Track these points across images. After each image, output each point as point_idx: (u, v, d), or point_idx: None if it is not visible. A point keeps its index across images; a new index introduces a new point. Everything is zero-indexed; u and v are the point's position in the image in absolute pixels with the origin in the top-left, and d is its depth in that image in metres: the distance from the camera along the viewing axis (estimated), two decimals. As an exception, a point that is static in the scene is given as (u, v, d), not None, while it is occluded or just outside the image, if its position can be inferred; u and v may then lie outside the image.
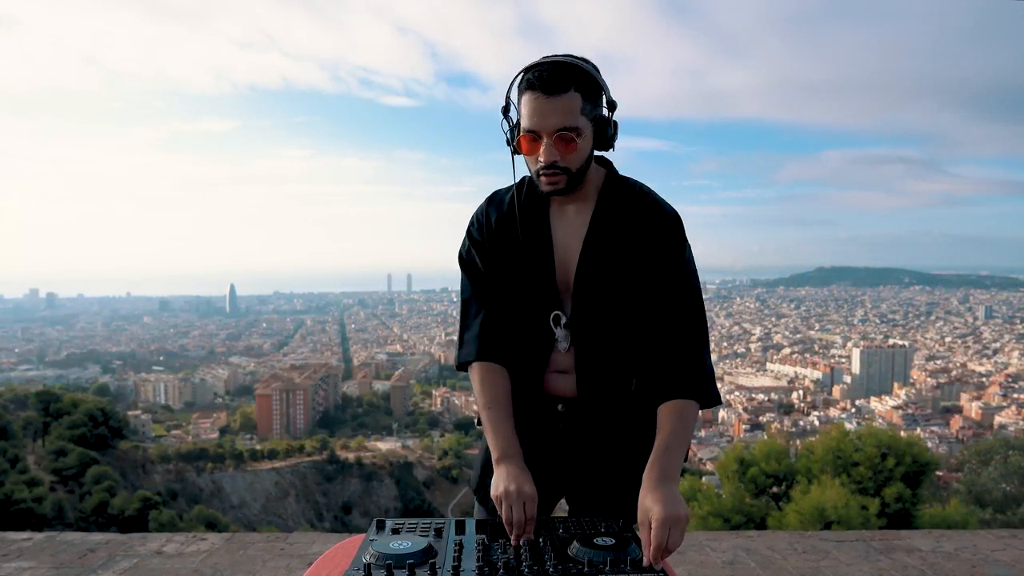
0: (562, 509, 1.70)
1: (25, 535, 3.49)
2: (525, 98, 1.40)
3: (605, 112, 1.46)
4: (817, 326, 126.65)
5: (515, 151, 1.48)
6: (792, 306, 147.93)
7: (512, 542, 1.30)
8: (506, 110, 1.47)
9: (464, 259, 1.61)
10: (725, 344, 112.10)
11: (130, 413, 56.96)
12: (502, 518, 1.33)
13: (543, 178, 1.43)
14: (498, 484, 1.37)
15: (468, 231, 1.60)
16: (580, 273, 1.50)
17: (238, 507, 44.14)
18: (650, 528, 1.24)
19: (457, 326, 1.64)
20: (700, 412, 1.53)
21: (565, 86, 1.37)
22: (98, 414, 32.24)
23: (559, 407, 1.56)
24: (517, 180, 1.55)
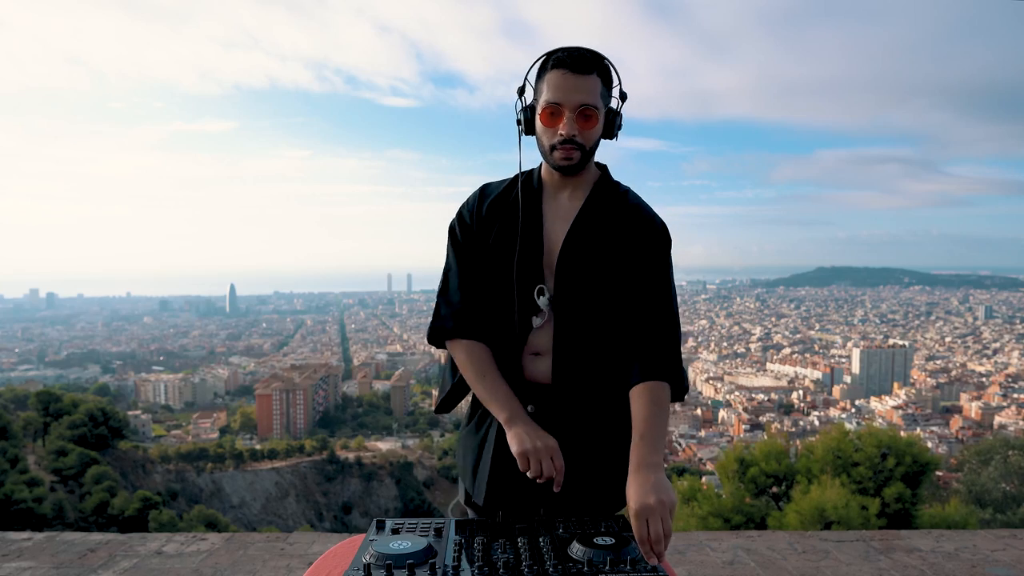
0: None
1: (25, 535, 3.49)
2: (551, 75, 1.46)
3: (614, 104, 1.54)
4: (817, 326, 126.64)
5: (523, 133, 1.54)
6: (792, 306, 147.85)
7: (555, 488, 1.46)
8: (521, 91, 1.53)
9: (452, 233, 1.66)
10: (725, 344, 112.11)
11: (130, 413, 56.99)
12: (530, 474, 1.44)
13: (558, 152, 1.49)
14: (522, 442, 1.45)
15: (457, 215, 1.66)
16: (564, 251, 1.54)
17: (238, 507, 44.15)
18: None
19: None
20: (678, 406, 1.54)
21: (590, 68, 1.46)
22: (98, 414, 32.18)
23: (529, 408, 1.55)
24: (521, 160, 1.60)
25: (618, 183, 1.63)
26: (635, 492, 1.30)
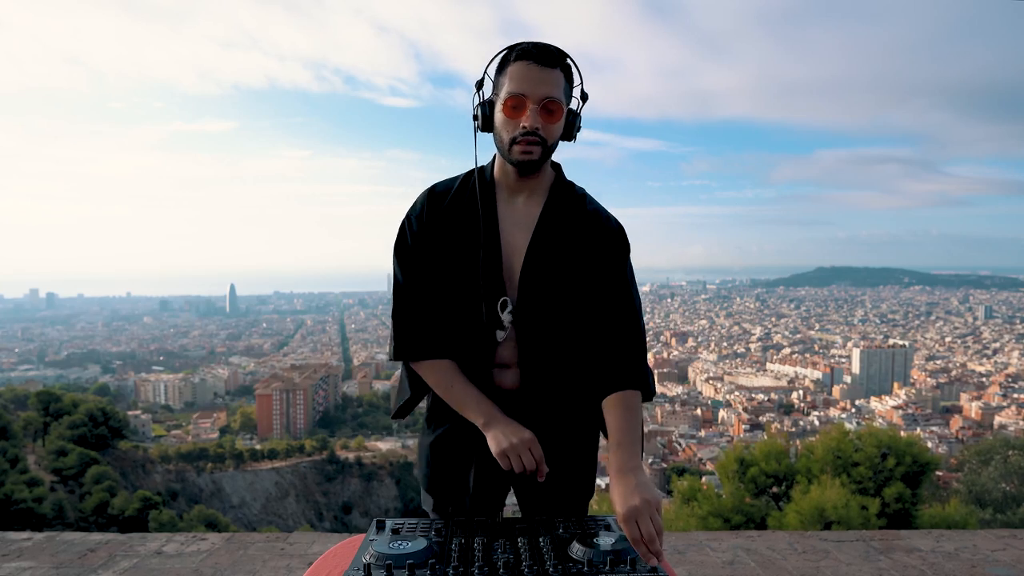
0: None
1: (25, 535, 3.49)
2: (515, 68, 1.42)
3: (575, 105, 1.51)
4: (817, 326, 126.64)
5: (480, 128, 1.49)
6: (792, 306, 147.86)
7: (539, 478, 1.46)
8: (480, 84, 1.48)
9: (401, 248, 1.55)
10: (725, 344, 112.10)
11: (130, 413, 56.94)
12: (515, 470, 1.44)
13: (518, 146, 1.43)
14: (499, 443, 1.45)
15: (406, 222, 1.56)
16: (528, 263, 1.50)
17: (238, 507, 44.15)
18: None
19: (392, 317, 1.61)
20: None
21: (555, 63, 1.43)
22: (98, 414, 32.19)
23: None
24: (476, 159, 1.54)
25: (573, 184, 1.59)
26: (619, 496, 1.30)
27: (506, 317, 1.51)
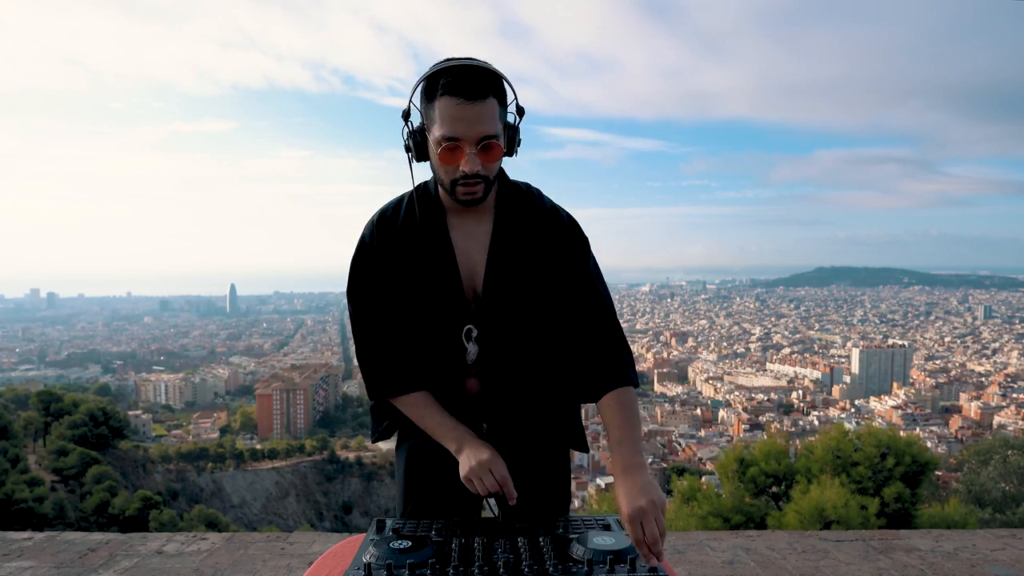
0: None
1: (26, 535, 3.49)
2: (443, 104, 1.31)
3: (511, 119, 1.41)
4: (817, 326, 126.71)
5: (415, 159, 1.41)
6: (792, 306, 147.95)
7: (510, 501, 1.38)
8: (407, 115, 1.38)
9: (355, 286, 1.50)
10: (725, 344, 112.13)
11: (131, 413, 56.94)
12: (481, 492, 1.37)
13: (461, 188, 1.37)
14: (462, 468, 1.40)
15: (357, 259, 1.50)
16: (488, 285, 1.46)
17: (238, 507, 44.16)
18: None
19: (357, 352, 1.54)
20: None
21: (485, 92, 1.31)
22: (99, 414, 32.20)
23: (484, 427, 1.52)
24: (416, 189, 1.49)
25: (518, 185, 1.52)
26: (624, 496, 1.29)
27: (472, 348, 1.49)
